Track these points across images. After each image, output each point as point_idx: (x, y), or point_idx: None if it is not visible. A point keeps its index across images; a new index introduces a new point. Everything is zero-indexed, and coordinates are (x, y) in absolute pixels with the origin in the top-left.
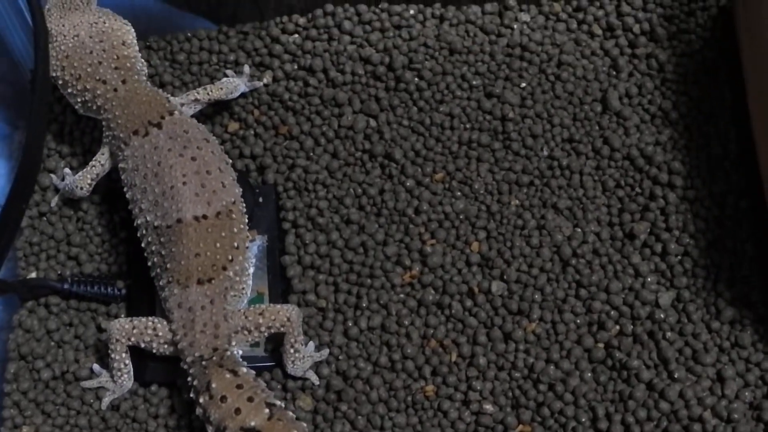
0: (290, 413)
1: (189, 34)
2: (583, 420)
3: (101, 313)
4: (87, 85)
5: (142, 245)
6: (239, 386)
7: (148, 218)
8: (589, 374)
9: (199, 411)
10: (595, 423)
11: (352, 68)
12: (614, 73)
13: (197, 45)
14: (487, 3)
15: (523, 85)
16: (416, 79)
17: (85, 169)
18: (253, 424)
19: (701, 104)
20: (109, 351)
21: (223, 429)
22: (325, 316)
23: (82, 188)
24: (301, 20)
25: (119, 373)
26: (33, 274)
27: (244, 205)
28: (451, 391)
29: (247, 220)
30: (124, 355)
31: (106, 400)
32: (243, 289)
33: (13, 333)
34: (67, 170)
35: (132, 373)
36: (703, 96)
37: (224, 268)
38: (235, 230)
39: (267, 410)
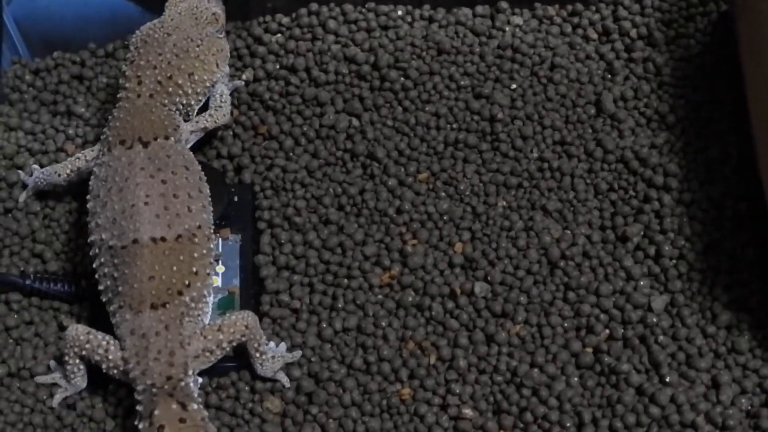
0: None
1: None
2: (568, 425)
3: (64, 311)
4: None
5: (94, 266)
6: (182, 420)
7: (104, 236)
8: (576, 379)
9: None
10: (581, 429)
11: (336, 67)
12: (609, 76)
13: None
14: (479, 5)
15: (514, 86)
16: (402, 78)
17: (69, 159)
18: None
19: (699, 108)
20: (64, 353)
21: None
22: (299, 317)
23: (59, 175)
24: (285, 19)
25: (72, 375)
26: None
27: (211, 231)
28: (429, 394)
29: (213, 249)
30: (77, 360)
31: (57, 397)
32: (199, 315)
33: None
34: (35, 166)
35: (86, 375)
36: (701, 100)
37: (180, 293)
38: (196, 255)
39: None
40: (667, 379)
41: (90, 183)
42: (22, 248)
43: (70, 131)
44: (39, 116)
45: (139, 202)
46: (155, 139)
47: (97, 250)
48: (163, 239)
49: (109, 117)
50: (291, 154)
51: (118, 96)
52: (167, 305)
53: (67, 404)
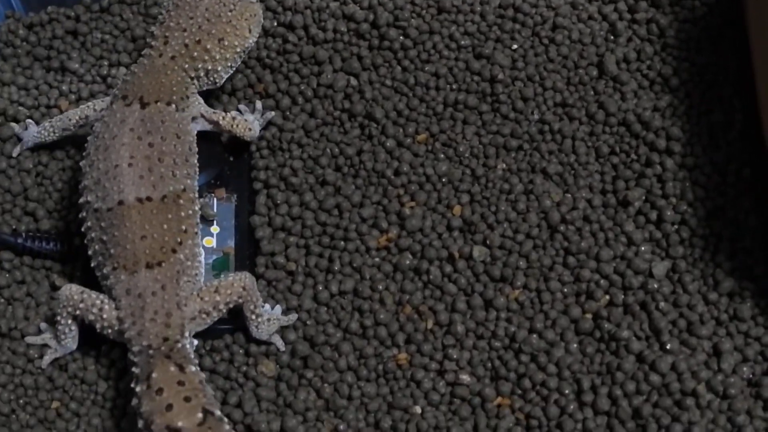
0: (226, 426)
1: None
2: (567, 392)
3: (56, 271)
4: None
5: (82, 229)
6: (180, 383)
7: (89, 198)
8: (575, 345)
9: (134, 401)
10: (580, 396)
11: (334, 25)
12: (612, 37)
13: None
14: None
15: (515, 47)
16: (401, 37)
17: (81, 106)
18: (180, 424)
19: (704, 71)
20: (56, 314)
21: (149, 423)
22: (294, 279)
23: (70, 120)
24: None
25: (63, 336)
26: None
27: (196, 195)
28: (426, 360)
29: (198, 211)
30: (70, 321)
31: (47, 359)
32: (196, 275)
33: None
34: (30, 121)
35: (77, 337)
36: (706, 63)
37: (174, 251)
38: (183, 215)
39: (201, 415)
40: (668, 347)
41: (87, 141)
42: (14, 206)
43: (64, 87)
44: (32, 71)
45: (122, 162)
46: (156, 102)
47: (84, 213)
48: (149, 199)
49: (126, 71)
50: (288, 113)
51: (141, 54)
52: (163, 264)
53: (58, 365)
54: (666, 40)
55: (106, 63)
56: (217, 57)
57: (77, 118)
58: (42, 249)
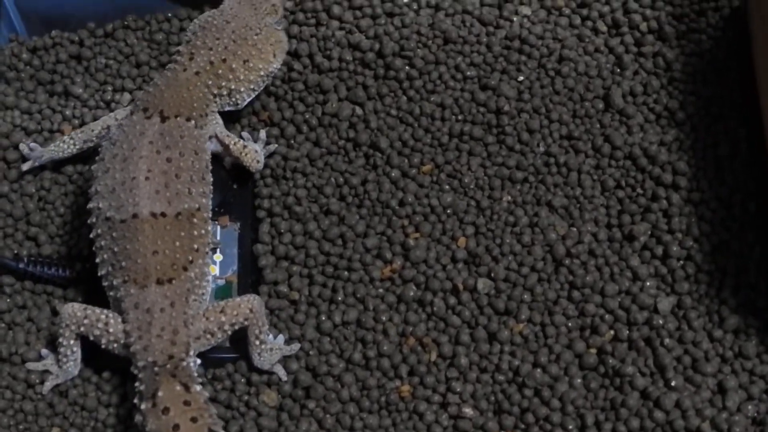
0: None
1: (169, 14)
2: (571, 428)
3: (57, 296)
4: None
5: (91, 236)
6: (186, 402)
7: (101, 205)
8: (579, 380)
9: (138, 418)
10: (583, 431)
11: (340, 54)
12: (618, 70)
13: (177, 25)
14: None
15: (521, 78)
16: (407, 67)
17: (102, 117)
18: None
19: (710, 105)
20: (58, 335)
21: None
22: (297, 309)
23: (93, 130)
24: (289, 3)
25: (65, 359)
26: None
27: (209, 216)
28: (429, 392)
29: (210, 231)
30: (72, 342)
31: (48, 385)
32: (203, 294)
33: None
34: (33, 144)
35: (79, 361)
36: (712, 96)
37: (185, 269)
38: (195, 233)
39: None
40: (673, 383)
41: (102, 146)
42: (16, 230)
43: (67, 112)
44: (36, 96)
45: (140, 175)
46: (176, 116)
47: (94, 219)
48: (163, 215)
49: (149, 83)
50: (292, 141)
51: (165, 67)
52: (173, 281)
53: (59, 392)
54: (672, 74)
55: (110, 88)
56: (241, 77)
57: (99, 128)
58: (49, 275)
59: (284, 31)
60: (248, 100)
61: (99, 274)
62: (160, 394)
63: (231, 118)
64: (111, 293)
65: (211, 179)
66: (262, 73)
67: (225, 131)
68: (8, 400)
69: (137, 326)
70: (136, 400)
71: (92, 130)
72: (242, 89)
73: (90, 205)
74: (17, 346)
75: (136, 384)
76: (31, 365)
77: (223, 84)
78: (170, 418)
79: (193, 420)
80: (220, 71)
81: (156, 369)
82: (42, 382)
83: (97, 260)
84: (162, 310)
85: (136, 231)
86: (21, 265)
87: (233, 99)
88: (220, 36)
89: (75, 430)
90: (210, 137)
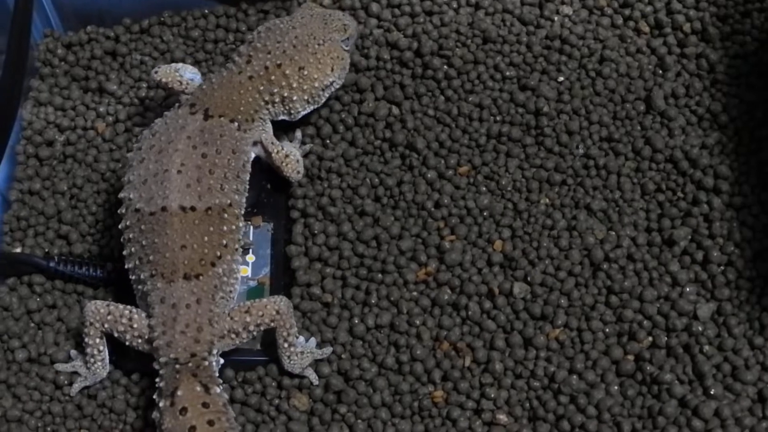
0: None
1: (206, 11)
2: None
3: (88, 296)
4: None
5: (120, 226)
6: (205, 404)
7: (132, 195)
8: (616, 387)
9: (155, 415)
10: None
11: (378, 53)
12: (660, 71)
13: (213, 22)
14: None
15: (561, 79)
16: (445, 66)
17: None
18: None
19: (754, 109)
20: (84, 335)
21: None
22: (330, 311)
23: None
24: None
25: (92, 360)
26: (18, 250)
27: (242, 212)
28: (463, 398)
29: (242, 227)
30: (98, 340)
31: (76, 386)
32: (231, 292)
33: None
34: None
35: (107, 361)
36: (756, 100)
37: (213, 265)
38: (225, 229)
39: None
40: (712, 392)
41: (141, 135)
42: (48, 229)
43: (101, 109)
44: (70, 92)
45: (172, 168)
46: (220, 116)
47: (124, 210)
48: (192, 209)
49: (203, 81)
50: (328, 141)
51: (224, 66)
52: (201, 277)
53: (87, 393)
54: (716, 76)
55: (144, 85)
56: (294, 85)
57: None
58: (80, 274)
59: (349, 52)
60: (303, 112)
61: (126, 266)
62: (179, 393)
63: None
64: (138, 287)
65: (248, 179)
66: (317, 84)
67: (271, 138)
68: (36, 402)
69: (162, 321)
70: (155, 396)
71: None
72: (295, 98)
73: (121, 195)
74: (46, 347)
75: (157, 380)
76: (59, 366)
77: (276, 90)
78: (187, 419)
79: (210, 423)
80: (273, 77)
81: (177, 366)
82: (70, 384)
83: (125, 252)
84: (188, 306)
85: (164, 224)
86: (51, 264)
87: (286, 107)
88: (282, 39)
89: None
90: (255, 143)
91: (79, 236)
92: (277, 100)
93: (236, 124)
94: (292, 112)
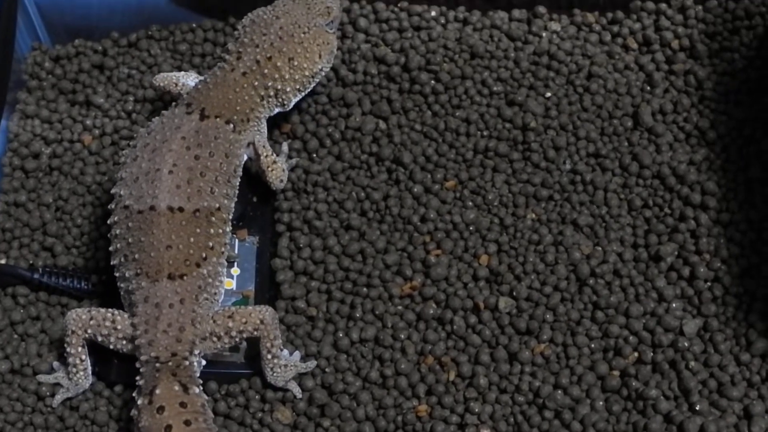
0: None
1: (193, 25)
2: None
3: (72, 308)
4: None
5: (108, 221)
6: (183, 404)
7: (122, 192)
8: (601, 403)
9: (133, 413)
10: None
11: (365, 68)
12: (648, 88)
13: (201, 36)
14: (515, 9)
15: (549, 94)
16: (432, 81)
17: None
18: None
19: (742, 125)
20: (65, 344)
21: None
22: (315, 325)
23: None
24: None
25: (75, 370)
26: (2, 262)
27: (229, 217)
28: (447, 412)
29: (229, 231)
30: (80, 349)
31: (58, 398)
32: (215, 294)
33: None
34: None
35: (89, 371)
36: (744, 117)
37: (198, 266)
38: (212, 231)
39: None
40: (697, 408)
41: (140, 130)
42: (32, 240)
43: (88, 122)
44: (57, 105)
45: (164, 168)
46: (216, 117)
47: (113, 206)
48: (180, 209)
49: (198, 81)
50: (314, 155)
51: (216, 66)
52: (185, 277)
53: (69, 405)
54: (704, 93)
55: (131, 98)
56: (287, 77)
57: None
58: (64, 286)
59: (335, 35)
60: (295, 100)
61: (111, 263)
62: (157, 391)
63: None
64: (122, 285)
65: (237, 184)
66: (307, 73)
67: (264, 141)
68: (18, 413)
69: (145, 320)
70: (134, 394)
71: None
72: (288, 89)
73: (113, 191)
74: (29, 358)
75: (137, 378)
76: (42, 377)
77: (270, 84)
78: (164, 418)
79: (187, 423)
80: (266, 71)
81: (158, 365)
82: (53, 395)
83: (111, 249)
84: (171, 305)
85: (151, 224)
86: (36, 276)
87: (280, 99)
88: (267, 32)
89: None
90: (249, 144)
91: (64, 248)
92: (271, 93)
93: (232, 125)
94: (285, 102)
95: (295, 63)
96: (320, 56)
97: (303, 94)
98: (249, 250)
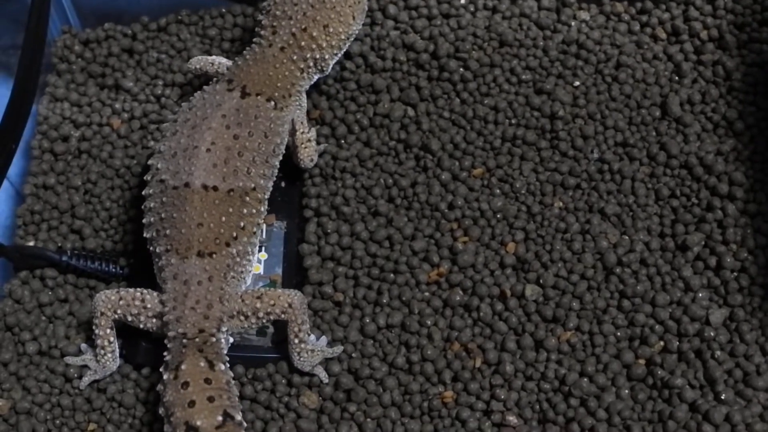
0: None
1: (223, 10)
2: None
3: (100, 290)
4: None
5: (143, 193)
6: (207, 380)
7: (159, 166)
8: (627, 391)
9: (159, 387)
10: None
11: (394, 54)
12: (677, 78)
13: (231, 21)
14: None
15: (577, 83)
16: (461, 69)
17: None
18: (198, 423)
19: None
20: (94, 326)
21: (170, 414)
22: (341, 310)
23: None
24: None
25: (103, 352)
26: (31, 244)
27: (265, 197)
28: (473, 399)
29: (263, 211)
30: (108, 331)
31: (85, 380)
32: (243, 273)
33: (1, 302)
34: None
35: (117, 353)
36: None
37: (227, 245)
38: (245, 212)
39: (220, 417)
40: (723, 397)
41: (182, 104)
42: (61, 223)
43: (117, 105)
44: (86, 88)
45: (202, 145)
46: (257, 95)
47: (149, 178)
48: (214, 188)
49: (237, 57)
50: (343, 141)
51: (252, 41)
52: (214, 255)
53: (97, 387)
54: (732, 83)
55: (160, 83)
56: (324, 45)
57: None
58: (92, 269)
59: None
60: (332, 64)
61: (144, 235)
62: (183, 367)
63: None
64: (155, 260)
65: (278, 163)
66: (343, 36)
67: (303, 117)
68: (46, 394)
69: (173, 297)
70: (162, 368)
71: (190, 64)
72: (327, 56)
73: (149, 162)
74: (57, 340)
75: (164, 353)
76: (69, 359)
77: (308, 55)
78: (188, 393)
79: (210, 399)
80: (302, 43)
81: (185, 341)
82: (80, 377)
83: (144, 221)
84: (199, 283)
85: (185, 200)
86: (64, 258)
87: (319, 67)
88: (299, 2)
89: (112, 427)
90: (291, 120)
91: (92, 231)
92: (311, 64)
93: (273, 102)
94: (324, 68)
95: (330, 29)
96: (354, 17)
97: (340, 55)
98: (277, 235)
